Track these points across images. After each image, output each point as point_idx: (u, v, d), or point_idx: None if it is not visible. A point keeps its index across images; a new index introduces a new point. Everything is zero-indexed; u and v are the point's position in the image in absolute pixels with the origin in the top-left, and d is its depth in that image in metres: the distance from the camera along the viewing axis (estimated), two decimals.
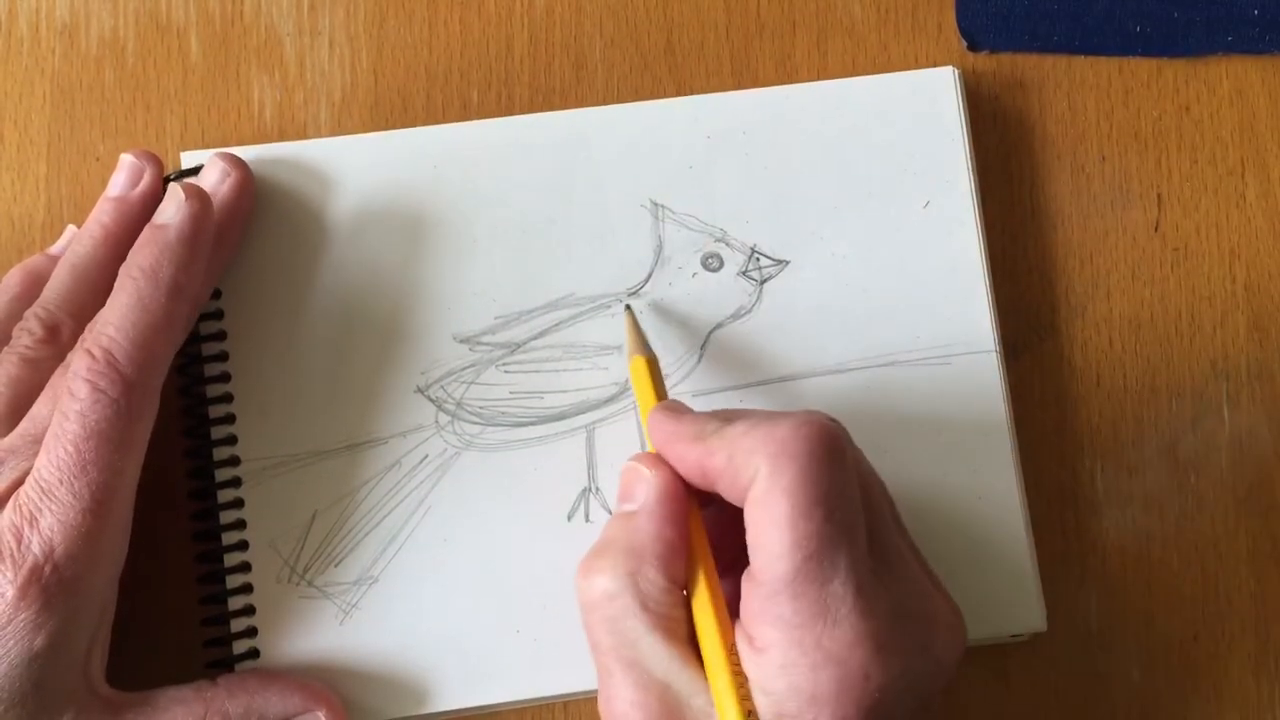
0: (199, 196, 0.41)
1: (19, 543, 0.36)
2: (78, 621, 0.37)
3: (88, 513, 0.37)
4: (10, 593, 0.36)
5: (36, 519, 0.37)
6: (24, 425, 0.39)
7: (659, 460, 0.37)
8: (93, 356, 0.38)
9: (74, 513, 0.37)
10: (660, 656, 0.35)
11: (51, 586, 0.36)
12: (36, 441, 0.38)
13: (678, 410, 0.38)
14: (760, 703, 0.33)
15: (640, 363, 0.41)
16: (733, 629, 0.35)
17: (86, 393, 0.37)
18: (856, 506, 0.34)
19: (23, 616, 0.36)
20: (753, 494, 0.34)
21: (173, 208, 0.40)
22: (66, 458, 0.37)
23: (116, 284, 0.39)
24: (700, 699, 0.34)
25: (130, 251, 0.40)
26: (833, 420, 0.36)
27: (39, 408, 0.39)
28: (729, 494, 0.35)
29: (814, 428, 0.34)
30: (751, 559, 0.34)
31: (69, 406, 0.37)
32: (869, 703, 0.33)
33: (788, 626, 0.33)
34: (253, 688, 0.40)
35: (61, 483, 0.37)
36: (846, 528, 0.33)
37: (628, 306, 0.44)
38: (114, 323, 0.38)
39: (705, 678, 0.34)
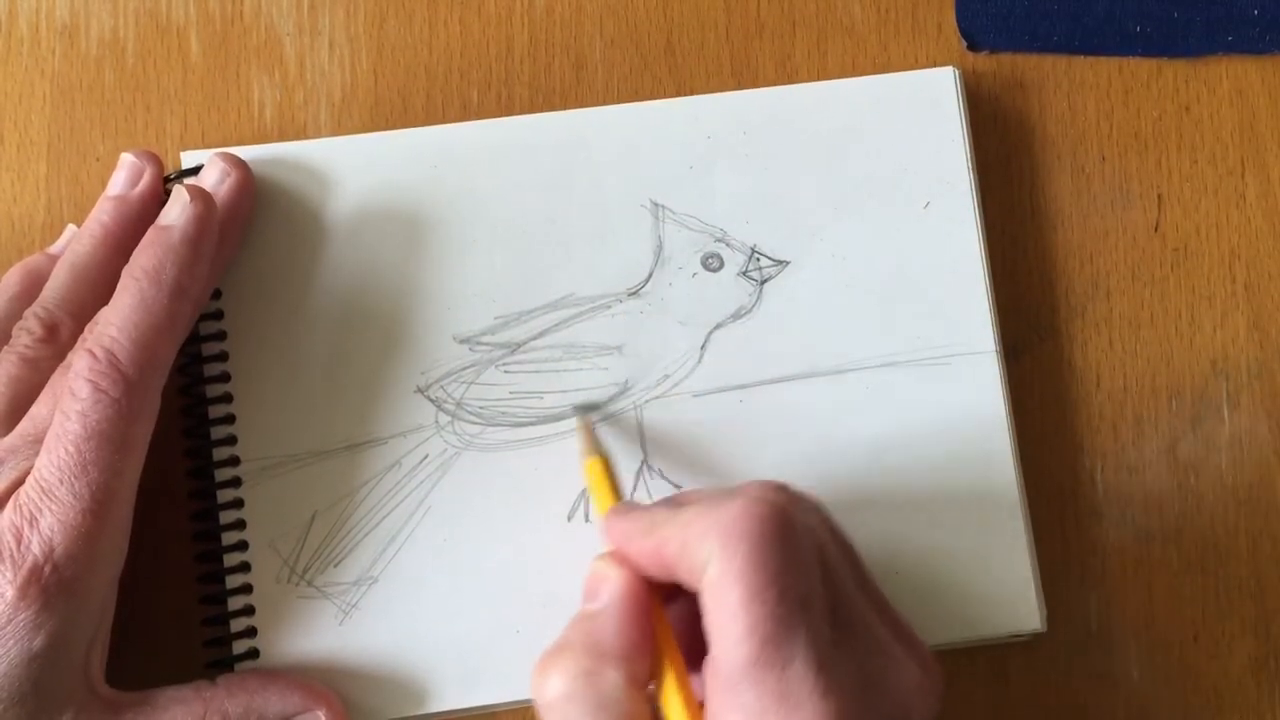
0: (203, 199, 0.41)
1: (19, 543, 0.36)
2: (77, 622, 0.37)
3: (88, 513, 0.37)
4: (10, 593, 0.36)
5: (37, 519, 0.37)
6: (24, 425, 0.39)
7: (622, 559, 0.36)
8: (95, 357, 0.38)
9: (74, 513, 0.37)
10: None
11: (51, 587, 0.36)
12: (36, 441, 0.38)
13: (629, 507, 0.38)
14: None
15: (595, 464, 0.41)
16: None
17: (88, 393, 0.37)
18: (812, 580, 0.34)
19: (22, 617, 0.36)
20: (706, 580, 0.33)
21: (177, 209, 0.40)
22: (67, 458, 0.37)
23: (119, 284, 0.39)
24: None
25: (134, 253, 0.40)
26: (783, 490, 0.35)
27: (39, 407, 0.39)
28: (688, 582, 0.35)
29: (762, 506, 0.34)
30: (710, 647, 0.33)
31: (70, 406, 0.37)
32: None
33: (750, 714, 0.32)
34: (252, 687, 0.40)
35: (62, 483, 0.37)
36: (803, 605, 0.33)
37: (580, 408, 0.44)
38: (116, 323, 0.38)
39: None
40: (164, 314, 0.39)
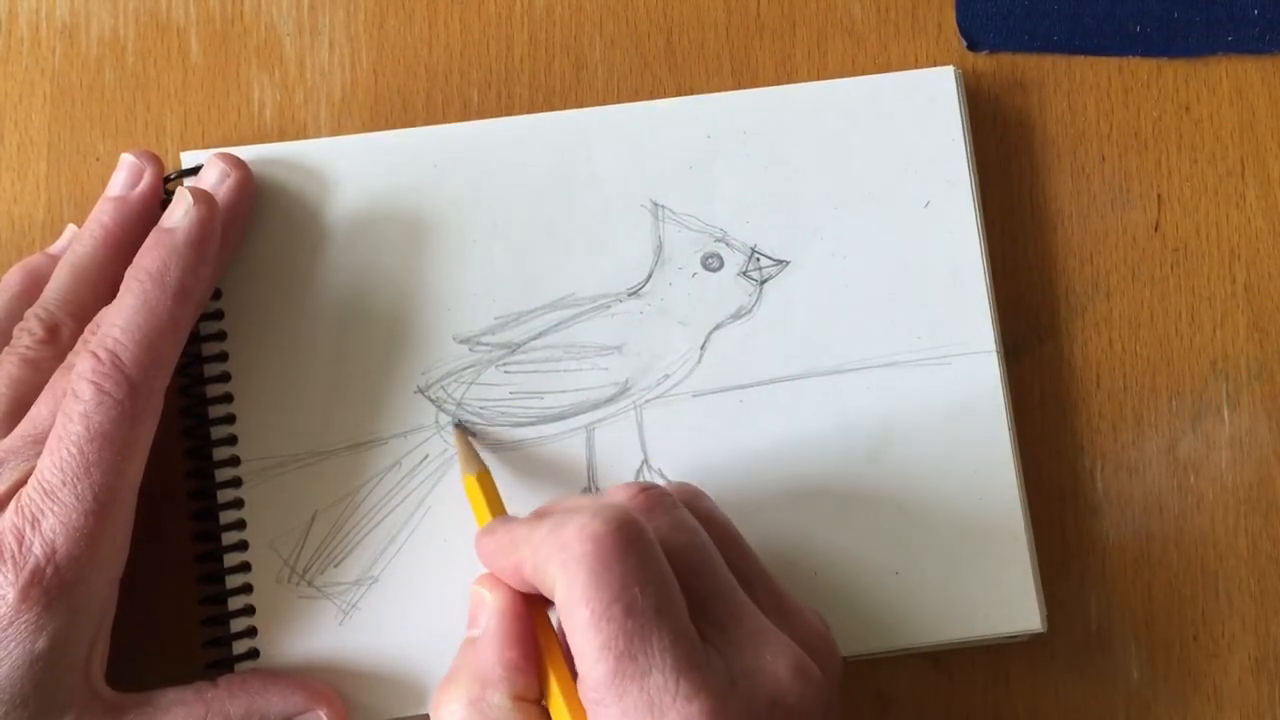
0: (206, 201, 0.41)
1: (20, 544, 0.36)
2: (79, 623, 0.37)
3: (90, 514, 0.37)
4: (11, 595, 0.36)
5: (39, 521, 0.37)
6: (24, 426, 0.39)
7: (497, 581, 0.37)
8: (98, 358, 0.38)
9: (76, 514, 0.37)
10: None
11: (53, 589, 0.36)
12: (38, 442, 0.38)
13: (497, 524, 0.38)
14: None
15: (471, 480, 0.41)
16: None
17: (91, 394, 0.37)
18: (665, 586, 0.34)
19: (24, 618, 0.36)
20: (557, 604, 0.34)
21: (180, 211, 0.40)
22: (70, 459, 0.37)
23: (123, 286, 0.39)
24: None
25: (137, 254, 0.40)
26: (644, 493, 0.36)
27: (39, 408, 0.39)
28: (542, 589, 0.35)
29: (599, 523, 0.34)
30: (576, 668, 0.34)
31: (73, 408, 0.37)
32: None
33: None
34: (254, 688, 0.40)
35: (64, 484, 0.37)
36: (655, 613, 0.33)
37: (456, 424, 0.44)
38: (120, 325, 0.38)
39: None
40: (167, 316, 0.39)
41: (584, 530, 0.34)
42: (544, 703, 0.36)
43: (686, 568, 0.35)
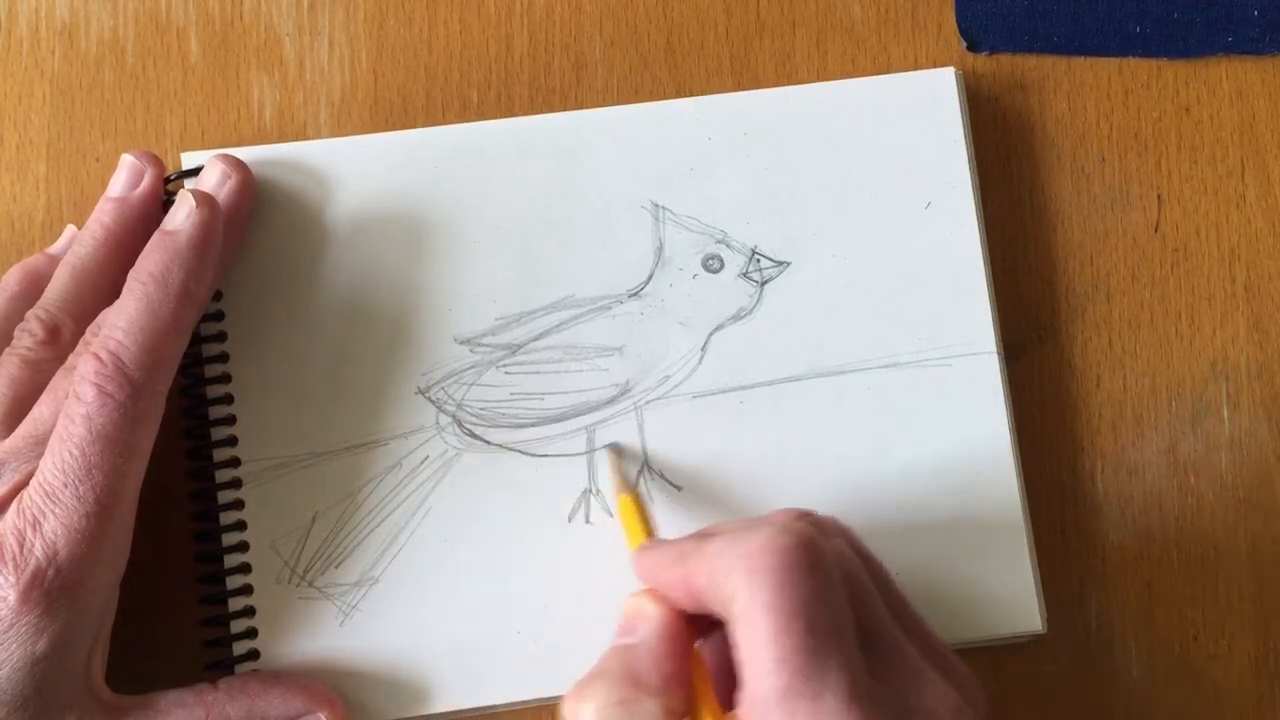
0: (209, 204, 0.41)
1: (22, 546, 0.36)
2: (80, 625, 0.37)
3: (91, 517, 0.37)
4: (13, 597, 0.36)
5: (40, 522, 0.37)
6: (25, 427, 0.39)
7: (661, 596, 0.36)
8: (100, 360, 0.38)
9: (78, 516, 0.37)
10: None
11: (54, 591, 0.36)
12: (39, 443, 0.38)
13: (658, 542, 0.38)
14: None
15: (627, 501, 0.41)
16: None
17: (93, 396, 0.37)
18: (842, 610, 0.34)
19: (25, 620, 0.36)
20: (734, 613, 0.33)
21: (183, 214, 0.40)
22: (71, 461, 0.37)
23: (125, 288, 0.39)
24: None
25: (140, 256, 0.40)
26: (808, 517, 0.36)
27: (40, 409, 0.39)
28: (719, 614, 0.34)
29: (786, 536, 0.33)
30: (742, 680, 0.33)
31: (74, 410, 0.37)
32: None
33: None
34: (254, 691, 0.40)
35: (66, 486, 0.37)
36: (833, 635, 0.33)
37: (610, 447, 0.44)
38: (122, 326, 0.38)
39: None
40: (170, 318, 0.39)
41: (771, 543, 0.33)
42: None
43: (850, 597, 0.35)
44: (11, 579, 0.36)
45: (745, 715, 0.33)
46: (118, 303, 0.39)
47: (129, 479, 0.38)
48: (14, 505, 0.37)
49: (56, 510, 0.37)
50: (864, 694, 0.32)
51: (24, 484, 0.37)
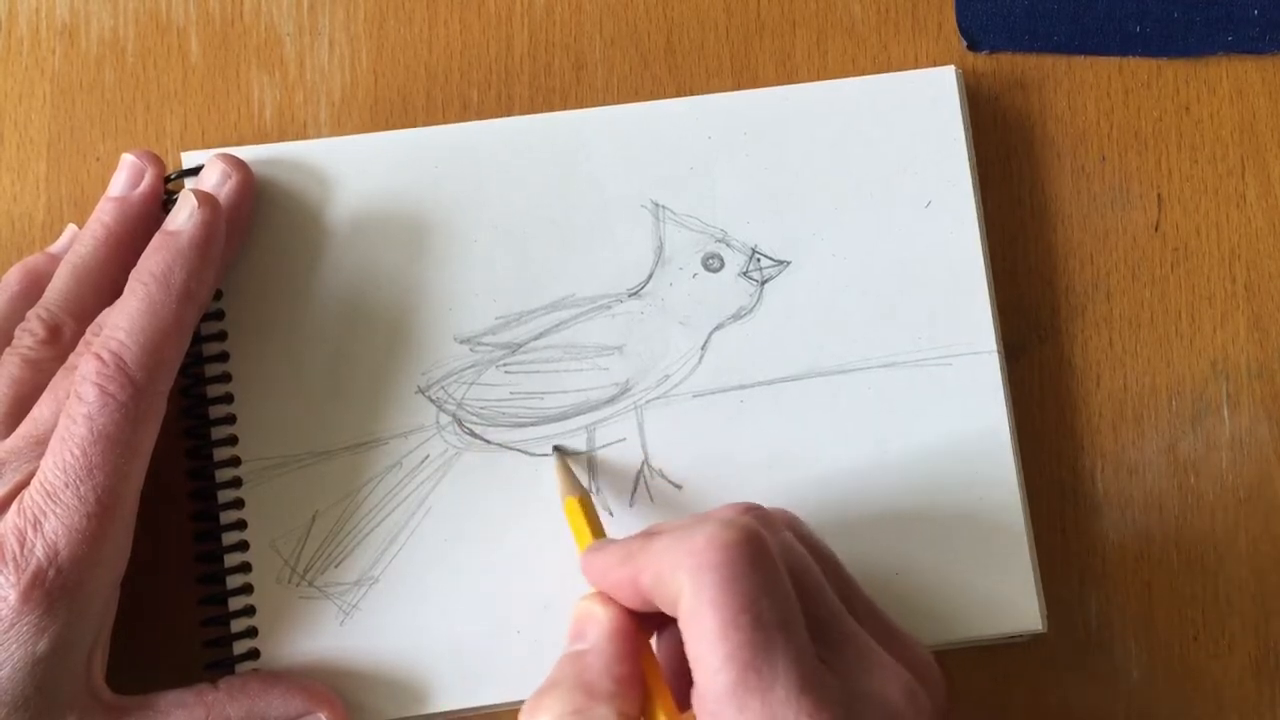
0: (211, 204, 0.41)
1: (22, 546, 0.36)
2: (80, 625, 0.37)
3: (92, 517, 0.37)
4: (13, 596, 0.36)
5: (41, 522, 0.37)
6: (25, 427, 0.39)
7: (609, 599, 0.36)
8: (102, 360, 0.38)
9: (79, 516, 0.37)
10: None
11: (55, 591, 0.36)
12: (39, 443, 0.38)
13: (605, 543, 0.38)
14: None
15: (573, 503, 0.41)
16: None
17: (95, 396, 0.37)
18: (788, 601, 0.34)
19: (26, 620, 0.36)
20: (682, 610, 0.33)
21: (184, 214, 0.40)
22: (73, 461, 0.37)
23: (127, 288, 0.39)
24: None
25: (141, 256, 0.40)
26: (755, 510, 0.36)
27: (40, 409, 0.39)
28: (668, 611, 0.34)
29: (730, 531, 0.33)
30: (694, 677, 0.33)
31: (76, 410, 0.37)
32: None
33: None
34: (254, 691, 0.40)
35: (67, 486, 0.37)
36: (780, 627, 0.33)
37: (556, 449, 0.44)
38: (124, 327, 0.38)
39: None
40: (172, 318, 0.39)
41: (714, 539, 0.33)
42: None
43: (799, 588, 0.35)
44: (12, 579, 0.36)
45: (699, 711, 0.33)
46: (119, 302, 0.39)
47: (130, 479, 0.38)
48: (15, 505, 0.37)
49: (57, 510, 0.37)
50: (815, 683, 0.32)
51: (25, 484, 0.37)
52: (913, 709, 0.34)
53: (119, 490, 0.37)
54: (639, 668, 0.35)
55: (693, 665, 0.33)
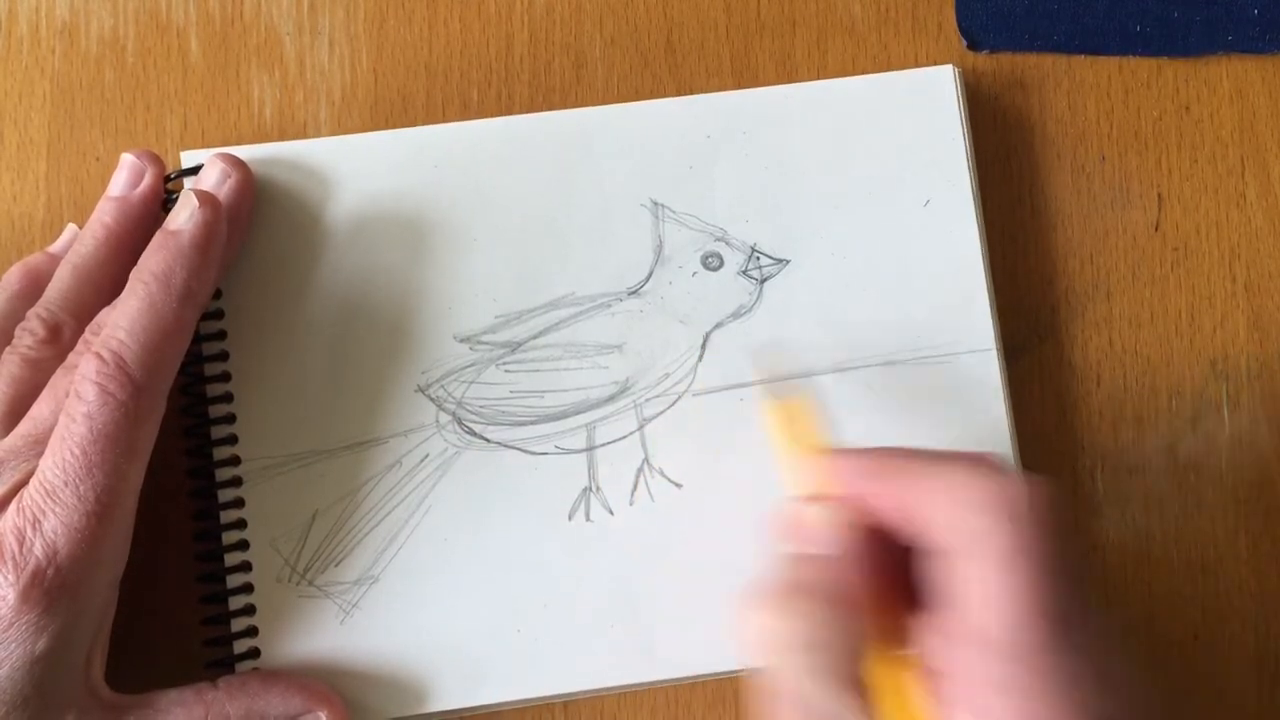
0: (212, 204, 0.41)
1: (21, 545, 0.36)
2: (79, 624, 0.37)
3: (92, 516, 0.37)
4: (12, 595, 0.36)
5: (40, 521, 0.37)
6: (24, 426, 0.39)
7: (854, 507, 0.35)
8: (102, 359, 0.38)
9: (78, 515, 0.37)
10: (843, 709, 0.33)
11: (54, 590, 0.36)
12: (38, 442, 0.38)
13: (852, 450, 0.37)
14: None
15: (791, 406, 0.40)
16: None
17: (95, 395, 0.37)
18: (1086, 576, 0.34)
19: (25, 619, 0.36)
20: (982, 550, 0.32)
21: (185, 214, 0.40)
22: (72, 460, 0.37)
23: (127, 288, 0.39)
24: None
25: (142, 256, 0.40)
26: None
27: (40, 408, 0.39)
28: (924, 539, 0.34)
29: (1049, 488, 0.33)
30: (971, 618, 0.32)
31: (76, 409, 0.37)
32: None
33: (1023, 695, 0.31)
34: (254, 689, 0.40)
35: (66, 485, 0.37)
36: (1083, 598, 0.33)
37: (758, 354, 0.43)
38: (124, 326, 0.38)
39: None
40: (172, 318, 0.39)
41: (1038, 489, 0.33)
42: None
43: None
44: (11, 578, 0.36)
45: (967, 660, 0.32)
46: (119, 301, 0.39)
47: (129, 478, 0.38)
48: (14, 504, 0.37)
49: (57, 509, 0.37)
50: (1114, 648, 0.32)
51: (23, 483, 0.37)
52: (1144, 698, 0.34)
53: (118, 489, 0.37)
54: (883, 583, 0.35)
55: (976, 608, 0.32)
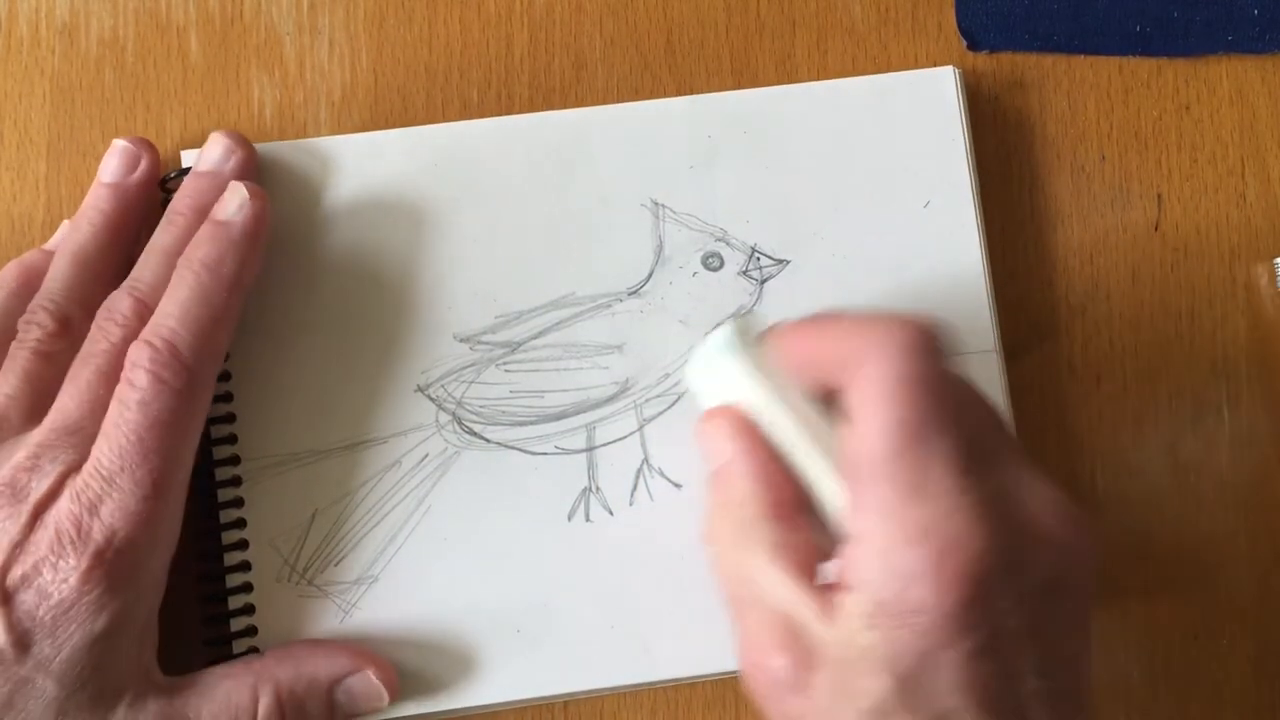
0: (261, 196, 0.42)
1: (79, 531, 0.37)
2: (136, 606, 0.38)
3: (148, 500, 0.37)
4: (74, 579, 0.37)
5: (98, 507, 0.37)
6: (53, 419, 0.39)
7: (728, 412, 0.38)
8: (155, 348, 0.38)
9: (134, 500, 0.37)
10: (778, 586, 0.36)
11: (114, 571, 0.37)
12: (70, 434, 0.38)
13: (796, 321, 0.39)
14: (859, 597, 0.34)
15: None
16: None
17: (148, 382, 0.38)
18: (961, 395, 0.35)
19: (85, 600, 0.37)
20: (858, 377, 0.35)
21: (235, 204, 0.41)
22: (129, 446, 0.37)
23: (175, 276, 0.40)
24: (816, 624, 0.35)
25: (189, 245, 0.41)
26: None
27: (64, 400, 0.39)
28: (835, 375, 0.36)
29: (926, 323, 0.35)
30: (851, 446, 0.35)
31: (129, 396, 0.38)
32: (968, 571, 0.33)
33: (885, 509, 0.33)
34: (300, 655, 0.41)
35: (123, 470, 0.37)
36: (952, 410, 0.34)
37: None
38: (175, 314, 0.39)
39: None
40: (222, 306, 0.40)
41: (911, 322, 0.35)
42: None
43: (967, 399, 0.37)
44: (72, 561, 0.37)
45: (850, 480, 0.35)
46: (169, 291, 0.40)
47: (182, 462, 0.39)
48: (66, 492, 0.37)
49: (114, 494, 0.37)
50: (973, 470, 0.34)
51: (67, 474, 0.38)
52: (1072, 532, 0.35)
53: (172, 473, 0.38)
54: (771, 465, 0.38)
55: (854, 433, 0.35)
